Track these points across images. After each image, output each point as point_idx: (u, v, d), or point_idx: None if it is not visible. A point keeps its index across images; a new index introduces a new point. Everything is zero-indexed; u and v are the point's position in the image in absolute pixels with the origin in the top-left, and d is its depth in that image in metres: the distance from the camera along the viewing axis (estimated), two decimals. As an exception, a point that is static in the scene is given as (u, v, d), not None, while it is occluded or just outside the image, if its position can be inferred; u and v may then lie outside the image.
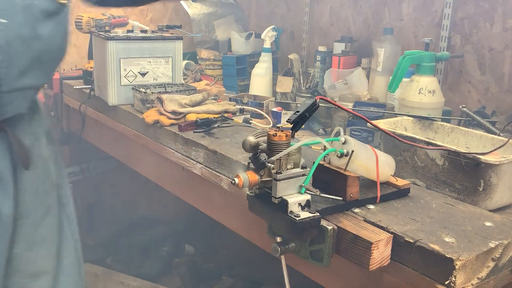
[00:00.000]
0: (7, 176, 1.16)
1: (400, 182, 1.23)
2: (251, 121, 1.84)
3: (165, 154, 1.76)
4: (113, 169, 2.81)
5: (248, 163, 1.10)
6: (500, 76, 1.88)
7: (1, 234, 1.17)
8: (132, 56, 1.98)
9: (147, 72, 2.03)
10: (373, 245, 1.00)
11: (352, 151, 1.11)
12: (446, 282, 0.94)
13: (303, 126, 1.12)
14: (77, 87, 2.32)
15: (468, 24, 1.96)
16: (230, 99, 2.08)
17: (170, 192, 1.94)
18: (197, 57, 2.56)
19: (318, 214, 1.05)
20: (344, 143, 1.13)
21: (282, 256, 1.15)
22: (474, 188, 1.23)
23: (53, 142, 1.34)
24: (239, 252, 2.85)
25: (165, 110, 1.78)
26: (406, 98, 1.66)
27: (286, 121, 1.08)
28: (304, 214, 1.04)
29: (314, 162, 1.12)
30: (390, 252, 1.03)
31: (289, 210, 1.04)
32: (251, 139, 1.11)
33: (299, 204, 1.05)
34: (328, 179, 1.15)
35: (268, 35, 2.31)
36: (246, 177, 1.07)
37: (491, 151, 1.28)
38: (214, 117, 1.77)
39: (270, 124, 1.85)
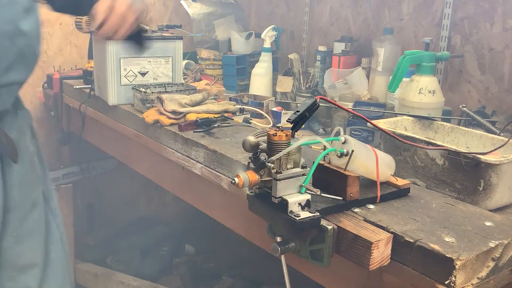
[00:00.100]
0: None
1: (400, 182, 1.23)
2: (251, 121, 1.84)
3: (165, 154, 1.76)
4: (113, 169, 2.81)
5: (248, 162, 1.10)
6: (500, 76, 1.88)
7: None
8: (132, 55, 1.98)
9: (147, 71, 2.03)
10: (373, 245, 1.00)
11: (352, 151, 1.11)
12: (446, 282, 0.94)
13: (303, 126, 1.12)
14: (77, 87, 2.32)
15: (468, 24, 1.96)
16: (230, 99, 2.08)
17: (170, 192, 1.94)
18: (197, 57, 2.56)
19: (318, 214, 1.05)
20: (344, 142, 1.13)
21: (282, 256, 1.15)
22: (474, 188, 1.23)
23: (36, 136, 1.38)
24: (239, 252, 2.85)
25: (165, 110, 1.78)
26: (406, 98, 1.66)
27: (286, 121, 1.08)
28: (304, 214, 1.04)
29: (314, 162, 1.12)
30: (390, 252, 1.03)
31: (289, 210, 1.04)
32: (251, 138, 1.11)
33: (299, 204, 1.05)
34: (328, 179, 1.15)
35: (268, 35, 2.31)
36: (246, 177, 1.07)
37: (491, 151, 1.28)
38: (214, 117, 1.77)
39: (270, 124, 1.85)
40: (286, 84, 2.14)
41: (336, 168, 1.14)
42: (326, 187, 1.14)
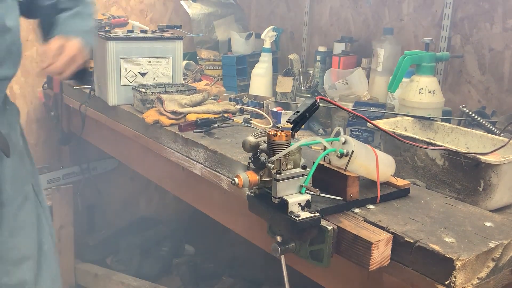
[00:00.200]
0: None
1: (400, 182, 1.23)
2: (251, 121, 1.84)
3: (165, 154, 1.76)
4: (113, 169, 2.81)
5: (248, 163, 1.10)
6: (500, 76, 1.88)
7: None
8: (132, 56, 1.99)
9: (147, 72, 2.03)
10: (373, 245, 1.00)
11: (352, 151, 1.11)
12: (446, 282, 0.94)
13: (303, 126, 1.12)
14: (77, 87, 2.32)
15: (468, 24, 1.96)
16: (230, 99, 2.08)
17: (170, 192, 1.94)
18: (197, 57, 2.56)
19: (318, 214, 1.05)
20: (344, 143, 1.13)
21: (282, 256, 1.15)
22: (474, 188, 1.23)
23: (23, 132, 1.40)
24: (239, 252, 2.86)
25: (165, 110, 1.78)
26: (406, 98, 1.66)
27: (286, 121, 1.08)
28: (304, 214, 1.04)
29: (314, 162, 1.12)
30: (390, 252, 1.03)
31: (289, 210, 1.04)
32: (251, 139, 1.11)
33: (299, 204, 1.05)
34: (328, 179, 1.15)
35: (268, 35, 2.31)
36: (246, 177, 1.07)
37: (491, 152, 1.27)
38: (214, 117, 1.77)
39: (270, 124, 1.85)
40: (286, 85, 2.14)
41: (336, 169, 1.14)
42: (326, 188, 1.14)
